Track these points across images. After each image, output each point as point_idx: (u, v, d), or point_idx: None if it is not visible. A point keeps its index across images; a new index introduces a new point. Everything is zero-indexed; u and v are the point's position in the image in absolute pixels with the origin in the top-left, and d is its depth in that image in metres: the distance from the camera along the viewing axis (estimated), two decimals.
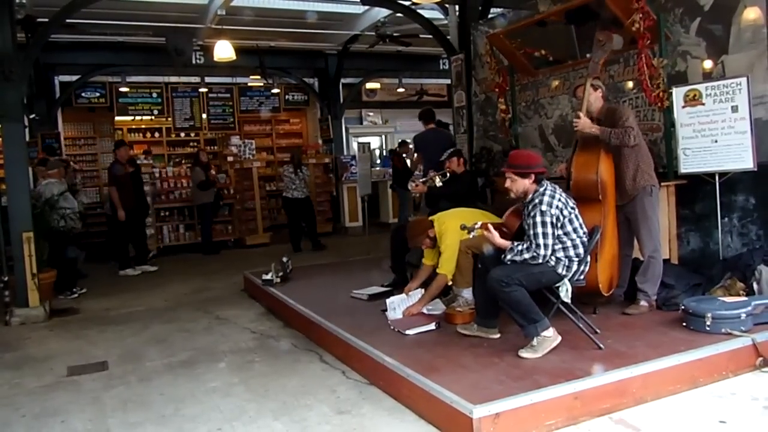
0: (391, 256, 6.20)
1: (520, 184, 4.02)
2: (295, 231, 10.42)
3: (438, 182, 5.85)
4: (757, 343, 3.84)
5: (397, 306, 4.97)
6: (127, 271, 9.06)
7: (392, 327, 4.68)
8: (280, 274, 6.78)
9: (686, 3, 5.21)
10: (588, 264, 4.07)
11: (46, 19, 7.43)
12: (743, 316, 3.97)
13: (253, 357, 4.84)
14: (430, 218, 5.10)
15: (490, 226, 4.07)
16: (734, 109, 4.68)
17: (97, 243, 10.54)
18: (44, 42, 7.45)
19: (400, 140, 13.32)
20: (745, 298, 4.25)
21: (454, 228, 4.60)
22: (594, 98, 4.69)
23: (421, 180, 5.91)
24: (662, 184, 4.90)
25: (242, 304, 6.83)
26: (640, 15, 5.03)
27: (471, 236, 4.42)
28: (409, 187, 5.91)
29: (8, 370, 4.87)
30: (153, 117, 13.81)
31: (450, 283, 4.88)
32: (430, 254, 5.17)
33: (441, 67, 14.55)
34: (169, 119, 13.71)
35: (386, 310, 5.01)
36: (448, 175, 5.96)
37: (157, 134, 14.41)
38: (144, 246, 9.61)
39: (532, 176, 3.98)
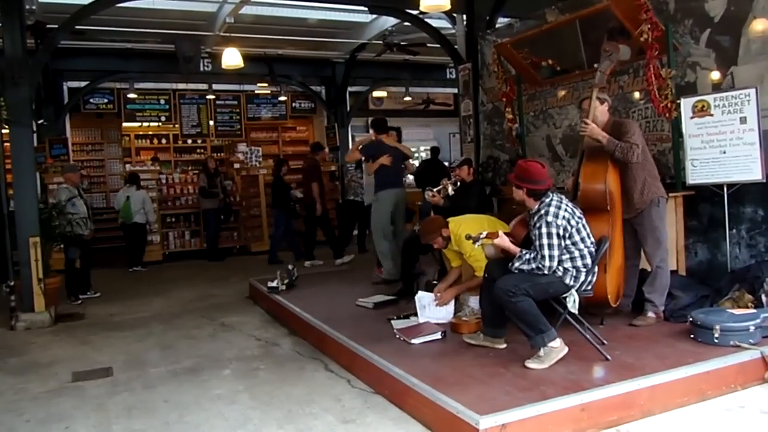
0: (401, 265, 6.19)
1: (517, 193, 4.10)
2: (358, 234, 10.89)
3: (450, 190, 5.92)
4: (766, 356, 3.81)
5: (427, 304, 4.96)
6: (344, 259, 9.32)
7: (398, 336, 4.65)
8: (286, 281, 6.79)
9: (696, 14, 5.21)
10: (596, 274, 4.05)
11: (56, 26, 7.50)
12: (752, 328, 3.95)
13: (258, 364, 4.82)
14: (447, 219, 5.09)
15: (500, 232, 4.07)
16: (743, 120, 4.67)
17: (102, 248, 10.55)
18: (53, 48, 7.52)
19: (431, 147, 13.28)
20: (753, 311, 4.20)
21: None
22: (600, 112, 4.61)
23: (436, 190, 5.96)
24: (670, 194, 4.88)
25: (247, 311, 6.82)
26: (649, 26, 5.05)
27: (476, 246, 4.40)
28: (426, 197, 5.98)
29: (13, 375, 4.87)
30: (160, 123, 13.89)
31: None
32: (454, 258, 5.17)
33: (448, 76, 14.59)
34: (177, 126, 13.76)
35: (392, 318, 5.02)
36: (458, 183, 6.00)
37: (164, 141, 14.48)
38: (313, 242, 9.85)
39: (524, 189, 4.01)
